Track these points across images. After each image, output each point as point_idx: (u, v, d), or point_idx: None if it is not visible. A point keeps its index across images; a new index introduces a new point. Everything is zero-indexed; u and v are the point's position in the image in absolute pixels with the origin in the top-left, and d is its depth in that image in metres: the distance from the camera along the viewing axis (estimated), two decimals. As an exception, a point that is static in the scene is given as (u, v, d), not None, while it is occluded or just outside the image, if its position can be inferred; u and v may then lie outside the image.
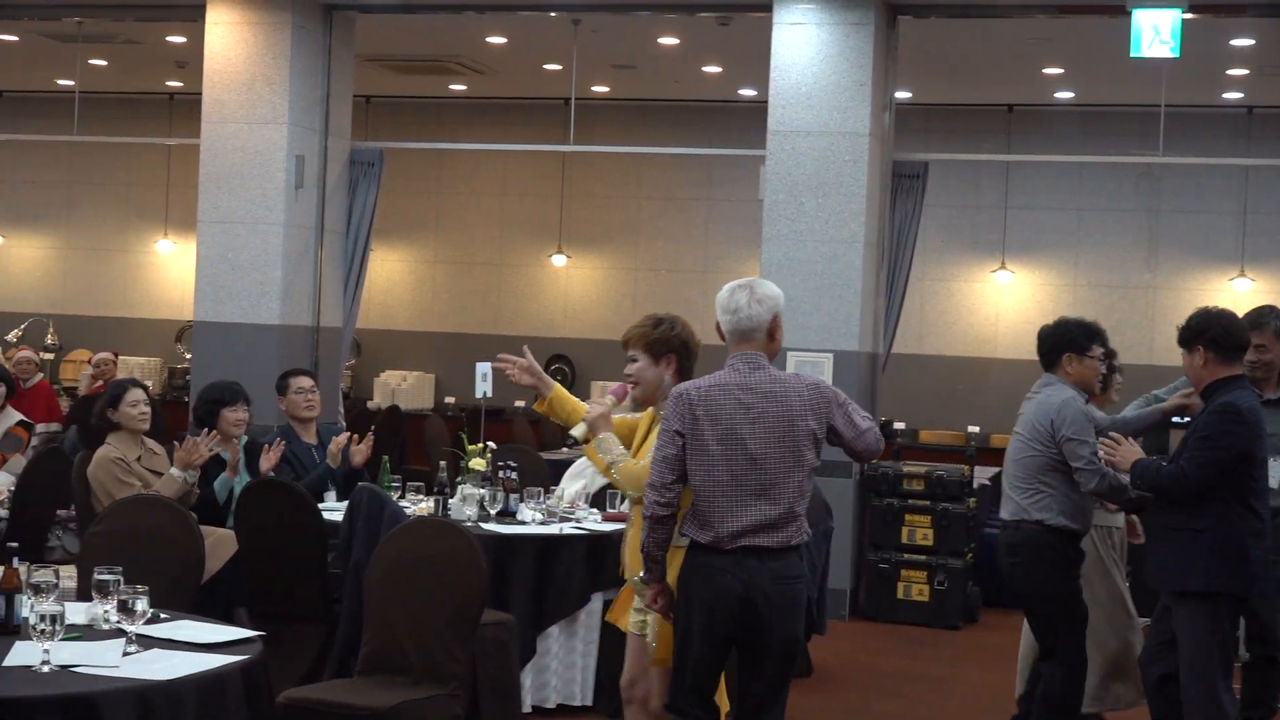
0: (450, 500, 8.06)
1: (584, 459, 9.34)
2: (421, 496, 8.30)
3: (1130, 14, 10.41)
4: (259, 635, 5.15)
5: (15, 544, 5.13)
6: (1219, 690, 6.00)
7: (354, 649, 6.32)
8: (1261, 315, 6.66)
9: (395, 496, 7.97)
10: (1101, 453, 6.27)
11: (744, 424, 5.15)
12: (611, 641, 7.64)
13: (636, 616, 5.70)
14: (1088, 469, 6.40)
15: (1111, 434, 6.28)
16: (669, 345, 5.71)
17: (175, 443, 7.97)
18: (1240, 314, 6.49)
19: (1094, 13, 10.87)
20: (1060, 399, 6.52)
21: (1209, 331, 6.03)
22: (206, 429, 7.88)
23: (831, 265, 10.79)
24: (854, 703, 8.56)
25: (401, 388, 16.23)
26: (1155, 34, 10.39)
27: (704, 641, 5.19)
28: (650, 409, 5.78)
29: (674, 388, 5.31)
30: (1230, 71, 13.36)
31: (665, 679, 5.48)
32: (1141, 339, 14.32)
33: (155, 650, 4.78)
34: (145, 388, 8.25)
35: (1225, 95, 14.37)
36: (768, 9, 10.92)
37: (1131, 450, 6.13)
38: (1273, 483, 6.40)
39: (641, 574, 5.35)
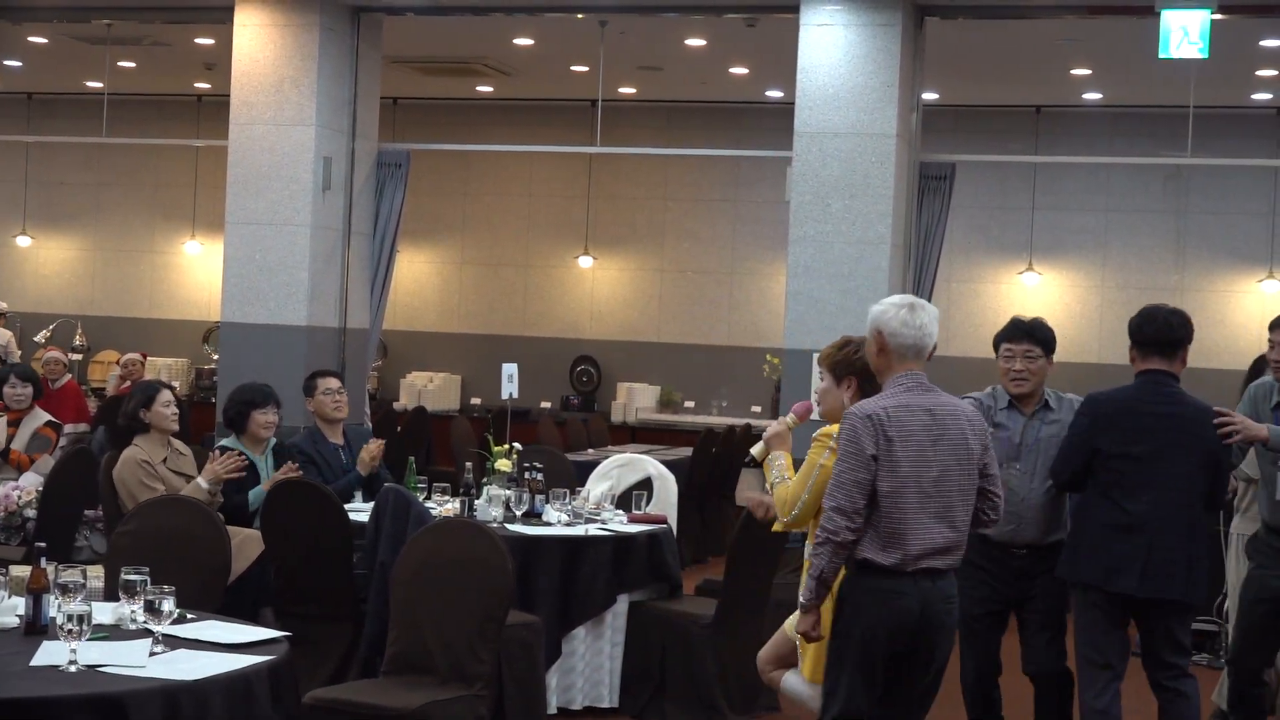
0: (476, 501, 8.06)
1: (610, 460, 9.37)
2: (447, 497, 8.30)
3: (1159, 14, 10.37)
4: (285, 635, 5.16)
5: (43, 544, 5.16)
6: (1092, 686, 6.06)
7: (380, 649, 6.32)
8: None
9: (421, 497, 7.98)
10: None
11: (928, 445, 5.14)
12: (637, 643, 7.66)
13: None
14: None
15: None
16: (850, 368, 5.60)
17: (212, 452, 8.04)
18: (1271, 316, 6.59)
19: (1122, 13, 10.82)
20: None
21: (1144, 330, 6.15)
22: (235, 451, 7.93)
23: (858, 267, 10.76)
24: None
25: (428, 389, 16.24)
26: (1184, 34, 10.35)
27: (865, 666, 5.16)
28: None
29: (858, 408, 5.19)
30: (1259, 72, 13.31)
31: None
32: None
33: (182, 650, 4.78)
34: (173, 389, 8.29)
35: (1254, 96, 14.32)
36: (795, 10, 10.90)
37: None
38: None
39: (803, 597, 5.24)
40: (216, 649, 4.86)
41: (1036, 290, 15.49)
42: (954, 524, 5.17)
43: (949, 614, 5.20)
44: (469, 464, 8.47)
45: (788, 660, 5.70)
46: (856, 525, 5.06)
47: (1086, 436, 6.01)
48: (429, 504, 7.91)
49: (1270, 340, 6.48)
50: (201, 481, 7.72)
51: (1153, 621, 6.10)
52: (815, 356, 5.77)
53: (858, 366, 5.57)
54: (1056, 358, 6.46)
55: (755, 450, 5.64)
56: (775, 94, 14.74)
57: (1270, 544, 6.48)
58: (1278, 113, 14.81)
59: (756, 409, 15.24)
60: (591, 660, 7.68)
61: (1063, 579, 6.18)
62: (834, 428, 5.43)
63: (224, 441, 8.32)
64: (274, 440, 8.25)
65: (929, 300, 11.22)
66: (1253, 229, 15.02)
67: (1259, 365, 7.51)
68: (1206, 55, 10.42)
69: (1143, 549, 5.92)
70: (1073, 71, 13.69)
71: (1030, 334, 6.39)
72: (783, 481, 5.50)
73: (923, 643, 5.17)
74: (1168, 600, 6.00)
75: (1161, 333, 6.09)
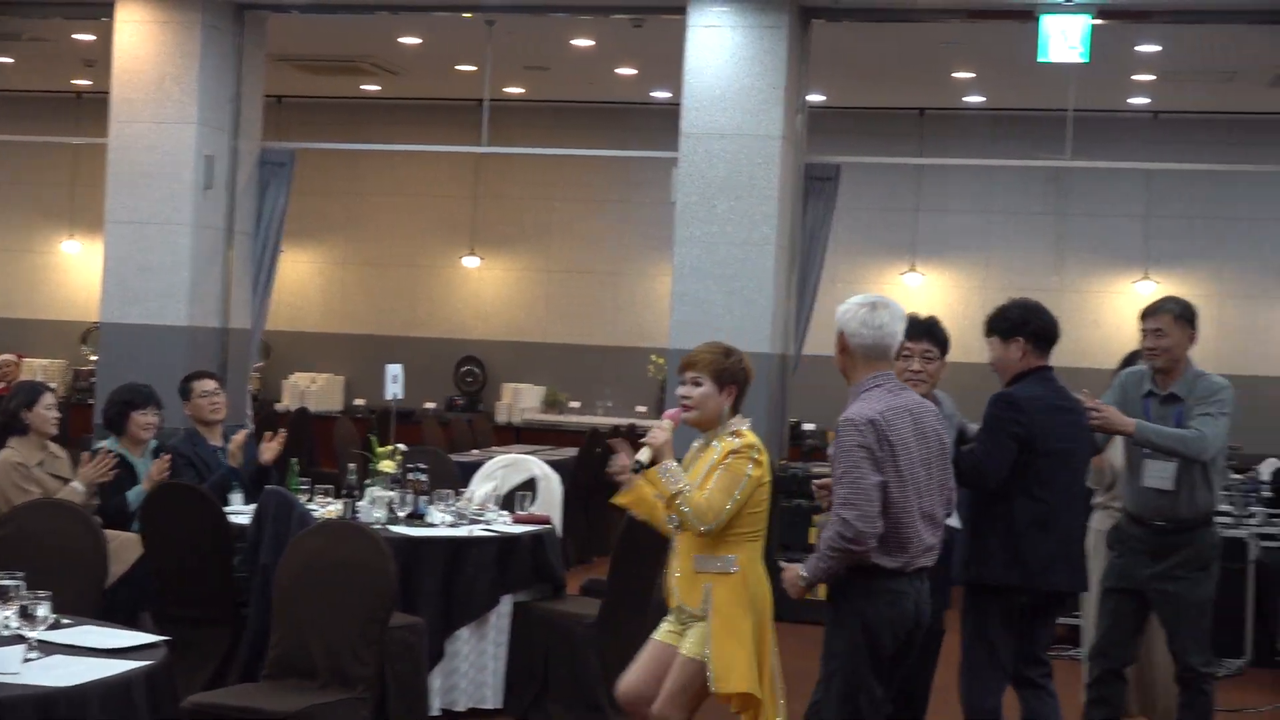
0: (359, 503, 8.00)
1: (494, 461, 9.35)
2: (330, 499, 8.22)
3: (1039, 19, 10.53)
4: (164, 640, 5.09)
5: (-87, 549, 5.05)
6: (986, 688, 5.99)
7: (261, 653, 6.27)
8: (1158, 301, 6.70)
9: (303, 499, 7.90)
10: None
11: (915, 446, 5.17)
12: (521, 643, 7.65)
13: (668, 627, 5.67)
14: None
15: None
16: (734, 377, 5.62)
17: (84, 454, 7.91)
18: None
19: (1004, 18, 10.98)
20: None
21: (1031, 324, 6.14)
22: (107, 451, 7.82)
23: (744, 268, 10.82)
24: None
25: (311, 390, 16.13)
26: (1064, 39, 10.52)
27: (879, 667, 5.18)
28: (708, 435, 5.69)
29: (857, 414, 5.13)
30: (1136, 77, 13.55)
31: (684, 699, 5.50)
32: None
33: (58, 656, 4.69)
34: (54, 390, 8.16)
35: (1131, 100, 14.58)
36: (681, 11, 10.94)
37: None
38: (1155, 483, 6.45)
39: (807, 571, 5.21)
40: (93, 654, 4.78)
41: (920, 291, 15.66)
42: (937, 521, 5.25)
43: (928, 611, 5.29)
44: (352, 465, 8.39)
45: (656, 676, 5.63)
46: (878, 529, 5.05)
47: (1022, 436, 5.96)
48: (311, 506, 7.84)
49: (1143, 329, 6.55)
50: (77, 484, 7.61)
51: (1048, 618, 6.16)
52: (684, 361, 5.69)
53: (741, 376, 5.61)
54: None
55: (643, 456, 5.53)
56: (662, 95, 14.77)
57: (1131, 533, 6.54)
58: (1154, 116, 15.08)
59: (641, 409, 15.27)
60: (475, 661, 7.66)
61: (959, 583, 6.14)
62: (755, 440, 5.51)
63: (103, 443, 8.21)
64: (154, 442, 8.14)
65: (812, 302, 11.41)
66: (1129, 231, 15.29)
67: (1130, 361, 7.60)
68: (1086, 59, 10.61)
69: (1063, 544, 5.99)
70: (955, 75, 13.86)
71: (929, 333, 6.42)
72: (691, 489, 5.43)
73: (913, 640, 5.24)
74: (1071, 595, 6.11)
75: (1054, 329, 6.19)
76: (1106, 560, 6.75)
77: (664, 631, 5.70)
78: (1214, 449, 6.32)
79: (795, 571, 5.23)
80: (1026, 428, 5.95)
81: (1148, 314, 6.61)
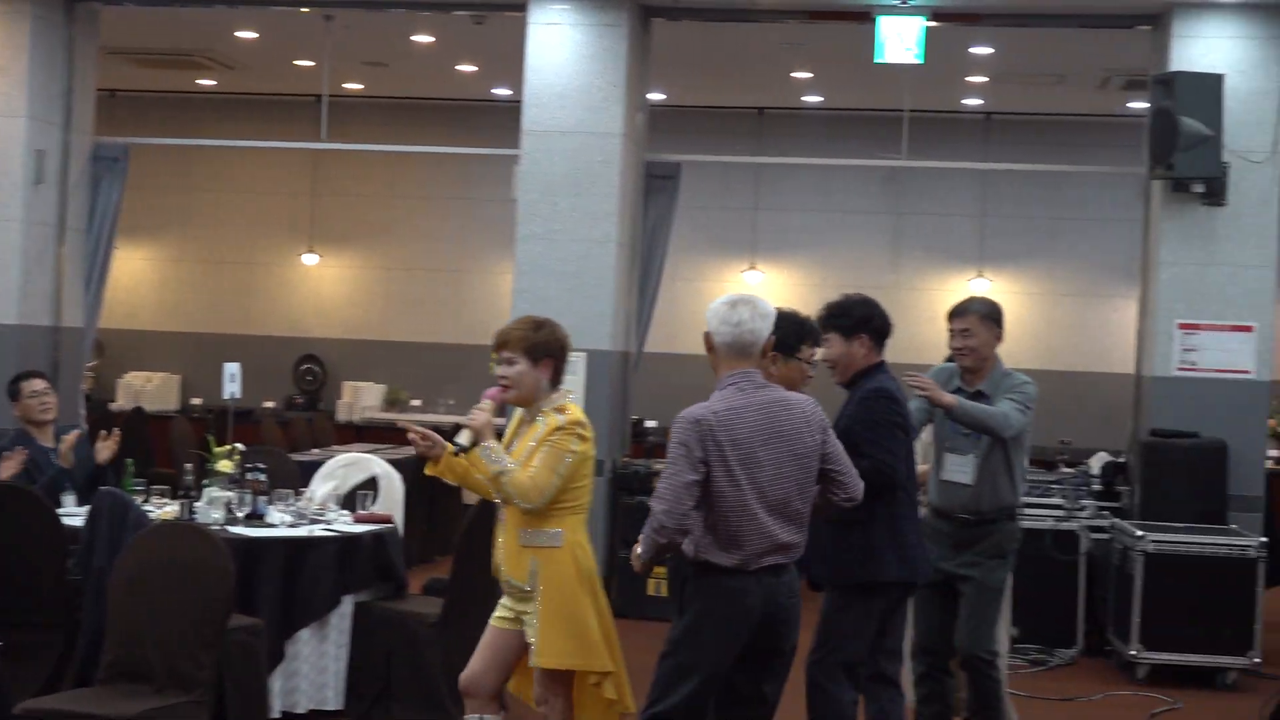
0: (196, 503, 7.89)
1: (335, 460, 9.27)
2: (166, 500, 8.10)
3: (875, 21, 10.68)
4: (-6, 645, 4.99)
5: None
6: (844, 679, 5.90)
7: (96, 657, 6.16)
8: (964, 302, 6.80)
9: (139, 500, 7.77)
10: None
11: (760, 446, 5.14)
12: (363, 643, 7.60)
13: (505, 613, 5.70)
14: None
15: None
16: (549, 349, 5.62)
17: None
18: None
19: (841, 19, 11.10)
20: None
21: (874, 321, 6.14)
22: None
23: (585, 265, 10.84)
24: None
25: (146, 389, 15.86)
26: (900, 41, 10.68)
27: (717, 665, 5.19)
28: (520, 412, 5.73)
29: (687, 413, 5.14)
30: (969, 79, 13.79)
31: (553, 681, 5.57)
32: (887, 338, 14.66)
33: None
34: None
35: (965, 101, 14.83)
36: (522, 8, 10.93)
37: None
38: (954, 476, 6.58)
39: (644, 554, 5.23)
40: (-82, 661, 4.68)
41: (760, 288, 15.79)
42: (793, 518, 5.21)
43: (794, 606, 5.27)
44: (189, 465, 8.27)
45: (497, 660, 5.71)
46: (683, 527, 5.08)
47: (903, 427, 5.97)
48: (147, 507, 7.71)
49: (950, 329, 6.66)
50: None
51: (903, 611, 6.20)
52: (496, 340, 5.67)
53: (555, 348, 5.63)
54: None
55: (463, 440, 5.55)
56: (503, 92, 14.74)
57: (936, 527, 6.62)
58: (987, 118, 15.37)
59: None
60: (316, 662, 7.59)
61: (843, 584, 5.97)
62: (580, 414, 5.55)
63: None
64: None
65: (654, 299, 11.46)
66: (964, 230, 15.57)
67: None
68: (921, 61, 10.77)
69: (920, 534, 6.07)
70: (794, 75, 14.00)
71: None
72: (514, 467, 5.47)
73: (769, 633, 5.24)
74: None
75: (890, 325, 6.23)
76: None
77: (498, 617, 5.74)
78: (1016, 427, 6.43)
79: (636, 550, 5.28)
80: (904, 419, 5.99)
81: (955, 314, 6.71)
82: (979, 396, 6.54)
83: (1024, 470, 6.69)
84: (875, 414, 5.90)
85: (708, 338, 5.30)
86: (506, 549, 5.65)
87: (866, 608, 5.89)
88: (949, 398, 6.40)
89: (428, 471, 5.84)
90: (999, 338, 6.68)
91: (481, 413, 5.52)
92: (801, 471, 5.23)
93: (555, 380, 5.65)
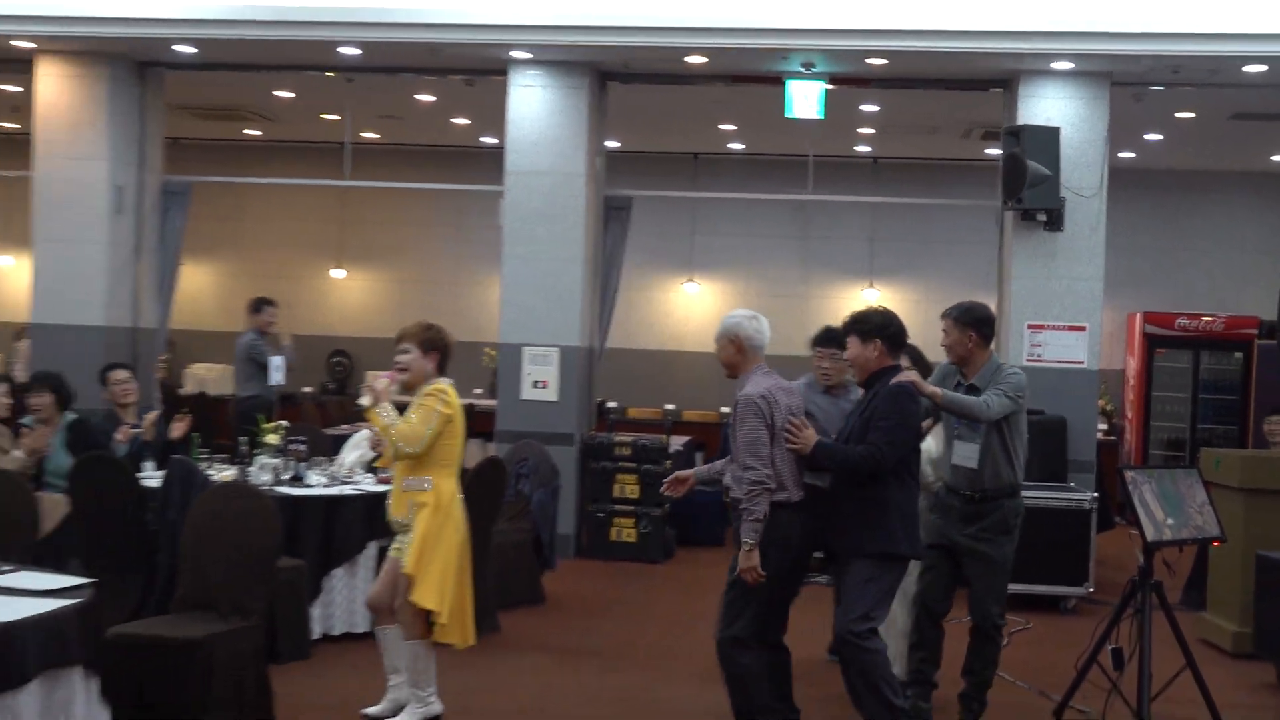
0: (250, 469, 7.90)
1: (361, 433, 9.25)
2: (226, 466, 8.10)
3: (785, 84, 10.71)
4: (90, 581, 4.98)
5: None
6: (877, 636, 5.61)
7: (171, 591, 6.16)
8: (949, 308, 6.43)
9: (204, 467, 7.76)
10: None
11: (785, 414, 5.59)
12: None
13: (396, 544, 5.98)
14: None
15: (793, 418, 5.68)
16: (435, 344, 5.96)
17: (23, 428, 7.74)
18: None
19: (758, 82, 11.11)
20: None
21: (889, 329, 5.78)
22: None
23: (559, 279, 10.85)
24: (579, 624, 8.63)
25: (209, 377, 15.75)
26: (805, 100, 10.70)
27: (781, 580, 5.57)
28: (418, 392, 5.98)
29: (754, 391, 5.54)
30: (861, 130, 13.83)
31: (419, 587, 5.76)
32: (796, 334, 14.67)
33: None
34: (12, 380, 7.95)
35: (857, 148, 14.88)
36: (504, 74, 10.93)
37: (810, 434, 5.66)
38: (962, 461, 6.27)
39: (749, 539, 5.43)
40: (29, 595, 4.66)
41: (697, 297, 15.84)
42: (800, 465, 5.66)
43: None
44: (244, 439, 8.27)
45: (393, 583, 5.92)
46: (771, 471, 5.44)
47: (919, 420, 5.80)
48: (210, 472, 7.71)
49: (944, 328, 6.34)
50: (18, 454, 7.40)
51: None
52: (397, 335, 5.99)
53: (440, 344, 5.98)
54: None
55: (365, 401, 5.86)
56: (491, 140, 14.69)
57: (947, 501, 6.34)
58: (875, 161, 15.43)
59: (478, 391, 15.18)
60: (348, 595, 7.61)
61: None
62: (443, 384, 5.86)
63: (27, 419, 8.02)
64: (71, 416, 7.95)
65: (612, 306, 11.48)
66: (858, 251, 15.63)
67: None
68: (822, 116, 10.81)
69: (918, 518, 5.79)
70: (721, 126, 14.02)
71: (835, 340, 6.61)
72: (401, 420, 5.79)
73: (808, 552, 5.66)
74: None
75: (905, 335, 5.90)
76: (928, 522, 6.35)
77: (394, 549, 6.00)
78: (996, 412, 6.08)
79: (745, 553, 5.46)
80: (919, 418, 5.81)
81: (945, 315, 6.42)
82: (972, 389, 6.21)
83: (1023, 451, 6.29)
84: (902, 410, 5.63)
85: (738, 340, 5.69)
86: (394, 495, 5.93)
87: (893, 576, 5.65)
88: (934, 390, 6.03)
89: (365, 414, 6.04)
90: (974, 337, 6.26)
91: (380, 382, 5.87)
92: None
93: (440, 370, 5.98)
